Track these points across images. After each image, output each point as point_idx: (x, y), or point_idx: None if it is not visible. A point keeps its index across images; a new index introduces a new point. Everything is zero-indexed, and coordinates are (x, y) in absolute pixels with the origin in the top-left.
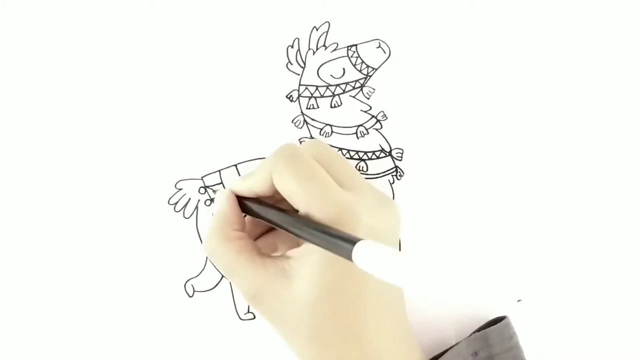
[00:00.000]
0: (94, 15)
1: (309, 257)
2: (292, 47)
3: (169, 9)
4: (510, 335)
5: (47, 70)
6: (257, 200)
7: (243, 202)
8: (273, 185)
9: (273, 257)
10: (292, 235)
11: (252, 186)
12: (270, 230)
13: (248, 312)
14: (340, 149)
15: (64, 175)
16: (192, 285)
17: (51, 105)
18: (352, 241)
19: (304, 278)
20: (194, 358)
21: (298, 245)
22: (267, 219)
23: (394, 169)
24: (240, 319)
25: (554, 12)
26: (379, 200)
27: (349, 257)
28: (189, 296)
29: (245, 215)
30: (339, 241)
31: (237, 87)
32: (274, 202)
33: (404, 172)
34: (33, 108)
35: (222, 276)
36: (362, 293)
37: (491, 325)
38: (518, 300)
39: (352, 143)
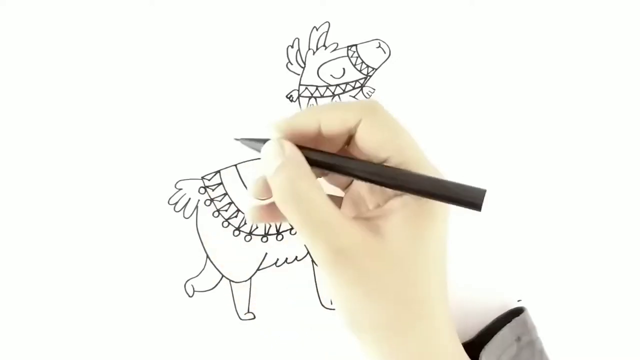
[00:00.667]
0: (94, 15)
1: (397, 213)
2: (292, 47)
3: (169, 9)
4: (534, 325)
5: (47, 70)
6: (324, 152)
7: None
8: (346, 131)
9: (354, 217)
10: (360, 191)
11: (323, 123)
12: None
13: (248, 312)
14: None
15: (64, 175)
16: (192, 285)
17: (51, 105)
18: (481, 190)
19: (397, 235)
20: (194, 358)
21: (363, 205)
22: (355, 174)
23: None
24: (240, 319)
25: (554, 12)
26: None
27: (478, 205)
28: (189, 296)
29: None
30: (465, 192)
31: (237, 87)
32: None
33: None
34: (33, 108)
35: (222, 276)
36: (442, 253)
37: (510, 316)
38: (518, 300)
39: None
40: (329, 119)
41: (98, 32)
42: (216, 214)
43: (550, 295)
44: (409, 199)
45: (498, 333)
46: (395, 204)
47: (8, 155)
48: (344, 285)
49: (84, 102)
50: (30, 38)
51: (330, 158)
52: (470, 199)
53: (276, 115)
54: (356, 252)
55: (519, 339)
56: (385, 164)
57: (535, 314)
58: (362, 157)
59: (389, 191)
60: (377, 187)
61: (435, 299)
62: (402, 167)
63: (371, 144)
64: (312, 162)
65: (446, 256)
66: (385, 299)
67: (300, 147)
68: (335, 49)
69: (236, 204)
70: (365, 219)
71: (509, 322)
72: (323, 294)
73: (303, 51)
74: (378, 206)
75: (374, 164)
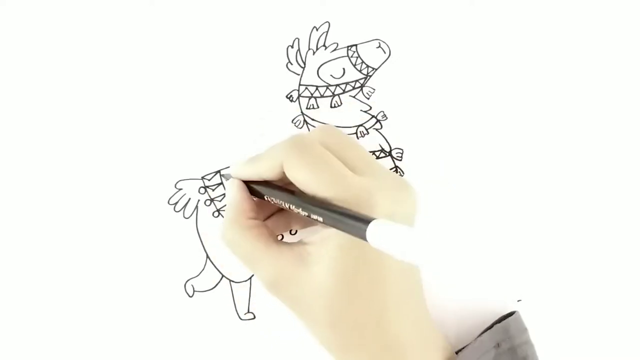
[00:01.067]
0: (94, 15)
1: (326, 242)
2: (292, 47)
3: (169, 9)
4: (525, 328)
5: (47, 70)
6: (266, 182)
7: (251, 186)
8: (281, 173)
9: (289, 243)
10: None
11: (260, 172)
12: (280, 209)
13: (248, 312)
14: None
15: (64, 175)
16: (192, 285)
17: (51, 105)
18: (366, 220)
19: (322, 264)
20: (194, 358)
21: (311, 223)
22: (278, 203)
23: (394, 169)
24: (240, 319)
25: (554, 12)
26: (395, 183)
27: (364, 237)
28: (189, 296)
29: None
30: (353, 220)
31: (237, 87)
32: (283, 184)
33: (404, 172)
34: (33, 108)
35: (222, 276)
36: (381, 278)
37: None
38: (518, 300)
39: None
40: (263, 170)
41: (98, 32)
42: (216, 214)
43: (552, 298)
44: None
45: (476, 339)
46: (326, 232)
47: (8, 155)
48: (287, 307)
49: (83, 102)
50: (30, 38)
51: (270, 192)
52: (356, 230)
53: (276, 115)
54: (284, 282)
55: (498, 345)
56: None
57: (534, 318)
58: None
59: None
60: None
61: (368, 323)
62: (327, 200)
63: (295, 183)
64: (257, 195)
65: (398, 281)
66: (316, 324)
67: (256, 183)
68: (335, 49)
69: None
70: (302, 244)
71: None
72: None
73: (303, 51)
74: (310, 224)
75: (296, 196)
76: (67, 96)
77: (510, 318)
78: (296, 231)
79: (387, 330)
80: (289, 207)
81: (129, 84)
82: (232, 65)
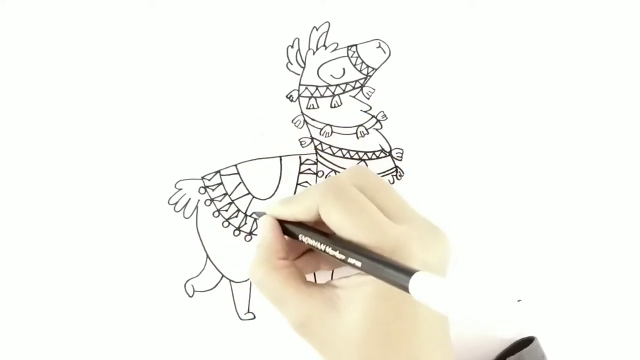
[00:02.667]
0: (94, 15)
1: (359, 288)
2: (292, 47)
3: (169, 9)
4: (542, 355)
5: (47, 70)
6: (301, 224)
7: (284, 225)
8: (317, 216)
9: (319, 285)
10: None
11: (295, 214)
12: (309, 249)
13: (248, 312)
14: (340, 149)
15: (64, 175)
16: (192, 285)
17: (51, 105)
18: (409, 272)
19: (355, 310)
20: (194, 358)
21: (340, 265)
22: (313, 245)
23: (394, 169)
24: (240, 319)
25: (554, 12)
26: (430, 231)
27: (406, 288)
28: (189, 296)
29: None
30: (395, 271)
31: (237, 87)
32: (317, 227)
33: (404, 172)
34: (33, 108)
35: (222, 276)
36: (412, 328)
37: (521, 345)
38: (518, 300)
39: (352, 143)
40: (298, 213)
41: (98, 32)
42: (216, 214)
43: (563, 322)
44: (371, 277)
45: None
46: (358, 279)
47: (8, 155)
48: (314, 349)
49: (83, 102)
50: (30, 38)
51: (297, 229)
52: (398, 280)
53: (276, 115)
54: (313, 325)
55: None
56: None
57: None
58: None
59: None
60: None
61: None
62: (359, 242)
63: (331, 227)
64: (291, 235)
65: (429, 330)
66: None
67: (291, 223)
68: (335, 49)
69: (236, 204)
70: (332, 287)
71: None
72: None
73: (303, 51)
74: (340, 266)
75: (335, 241)
76: (67, 96)
77: (525, 350)
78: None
79: None
80: (325, 249)
81: (129, 84)
82: (232, 65)
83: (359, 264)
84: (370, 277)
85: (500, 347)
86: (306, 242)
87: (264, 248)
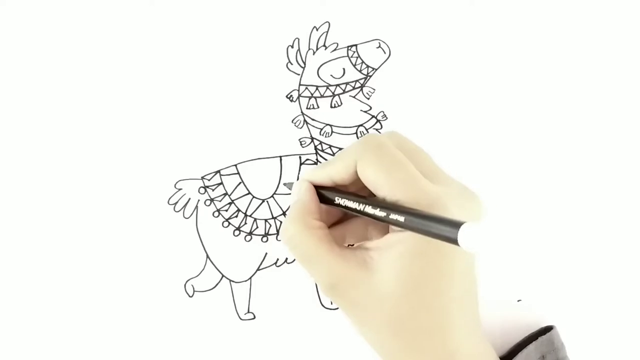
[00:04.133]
0: (94, 15)
1: (392, 248)
2: (292, 47)
3: (169, 9)
4: (563, 343)
5: (47, 70)
6: (335, 189)
7: (320, 192)
8: (354, 174)
9: (351, 248)
10: (361, 225)
11: (332, 175)
12: (338, 222)
13: (248, 312)
14: (340, 149)
15: (64, 175)
16: (192, 285)
17: (51, 105)
18: (457, 224)
19: (388, 270)
20: (194, 358)
21: (367, 237)
22: (352, 207)
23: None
24: (240, 319)
25: (554, 12)
26: (464, 192)
27: (454, 240)
28: (189, 296)
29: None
30: (442, 225)
31: (237, 87)
32: (352, 191)
33: None
34: (33, 108)
35: (222, 276)
36: (446, 287)
37: (538, 335)
38: (518, 300)
39: None
40: (335, 173)
41: (98, 32)
42: (216, 214)
43: (580, 314)
44: (406, 235)
45: (522, 350)
46: (392, 238)
47: (8, 155)
48: (343, 311)
49: (83, 102)
50: (30, 38)
51: (332, 194)
52: (446, 233)
53: (276, 115)
54: (345, 286)
55: (543, 357)
56: (386, 199)
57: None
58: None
59: (392, 226)
60: (378, 224)
61: (432, 332)
62: (398, 203)
63: (367, 184)
64: (326, 202)
65: (461, 289)
66: (376, 329)
67: (325, 189)
68: (335, 49)
69: (236, 204)
70: (364, 249)
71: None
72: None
73: (303, 51)
74: (367, 238)
75: (374, 200)
76: (67, 96)
77: (553, 331)
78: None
79: (449, 339)
80: (364, 209)
81: (129, 84)
82: (232, 65)
83: (401, 219)
84: (404, 236)
85: (518, 337)
86: (343, 205)
87: (298, 207)
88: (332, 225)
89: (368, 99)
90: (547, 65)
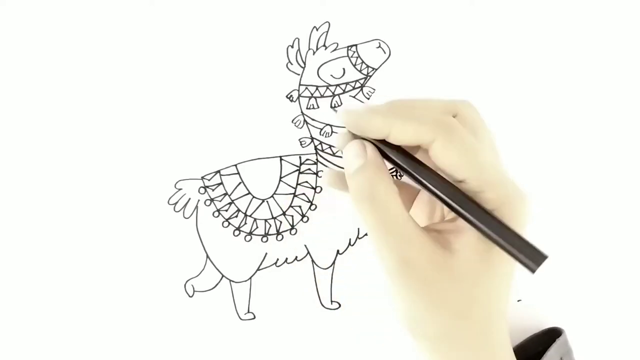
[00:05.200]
0: (94, 15)
1: (468, 232)
2: (292, 47)
3: (169, 9)
4: (569, 349)
5: (47, 70)
6: (399, 148)
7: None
8: (418, 144)
9: (424, 226)
10: (430, 201)
11: (397, 135)
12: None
13: (248, 312)
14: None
15: (64, 175)
16: (192, 285)
17: (51, 105)
18: (540, 257)
19: (469, 251)
20: (194, 358)
21: (433, 216)
22: (427, 185)
23: (394, 169)
24: (240, 319)
25: (554, 12)
26: (524, 194)
27: (532, 268)
28: (189, 296)
29: None
30: (526, 251)
31: (237, 87)
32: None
33: None
34: (33, 108)
35: (222, 276)
36: (504, 279)
37: (548, 337)
38: (518, 300)
39: None
40: (402, 130)
41: (98, 32)
42: (216, 214)
43: (585, 317)
44: None
45: (546, 354)
46: (459, 224)
47: (8, 155)
48: (409, 293)
49: (84, 102)
50: (30, 38)
51: (408, 163)
52: (527, 259)
53: (276, 115)
54: (423, 264)
55: (561, 359)
56: (462, 184)
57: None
58: (437, 170)
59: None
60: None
61: (494, 320)
62: (479, 190)
63: (446, 165)
64: (389, 161)
65: (512, 279)
66: (447, 313)
67: (381, 143)
68: (335, 49)
69: (236, 204)
70: (436, 231)
71: (547, 341)
72: (323, 294)
73: (303, 51)
74: (451, 220)
75: (449, 184)
76: (67, 96)
77: (564, 334)
78: None
79: (502, 329)
80: (444, 197)
81: (129, 84)
82: (232, 65)
83: (486, 229)
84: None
85: (523, 336)
86: (417, 181)
87: (377, 166)
88: None
89: (368, 99)
90: (547, 65)
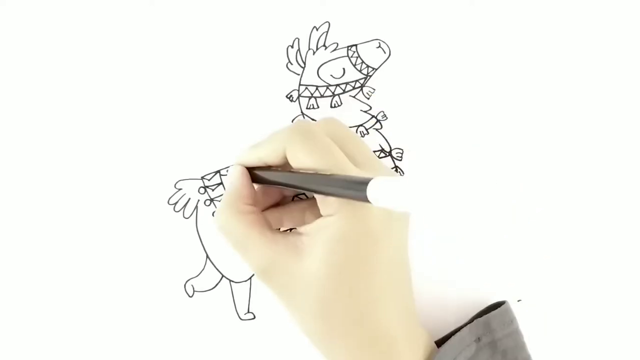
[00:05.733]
0: (94, 15)
1: (321, 232)
2: (292, 47)
3: (169, 9)
4: (511, 320)
5: (47, 70)
6: (267, 167)
7: (253, 172)
8: (284, 158)
9: (283, 232)
10: (299, 209)
11: (262, 157)
12: (276, 205)
13: (248, 312)
14: None
15: (64, 175)
16: (192, 285)
17: (51, 105)
18: (366, 181)
19: (316, 254)
20: (194, 358)
21: (304, 221)
22: (278, 182)
23: (394, 169)
24: (240, 319)
25: (554, 12)
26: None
27: (365, 197)
28: (189, 296)
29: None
30: (352, 183)
31: (237, 87)
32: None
33: (404, 172)
34: (33, 108)
35: (222, 276)
36: (371, 271)
37: (491, 311)
38: (518, 300)
39: None
40: (265, 156)
41: (98, 32)
42: None
43: (548, 292)
44: (333, 220)
45: (456, 333)
46: (321, 223)
47: (8, 155)
48: (276, 296)
49: (83, 102)
50: (30, 38)
51: (271, 174)
52: (355, 191)
53: (276, 115)
54: (275, 270)
55: (478, 339)
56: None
57: (530, 311)
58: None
59: (322, 210)
60: (315, 208)
61: (357, 316)
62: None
63: (296, 169)
64: (258, 180)
65: (388, 274)
66: (304, 315)
67: (258, 168)
68: (335, 49)
69: None
70: (297, 234)
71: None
72: None
73: (303, 51)
74: (303, 221)
75: (297, 173)
76: (67, 96)
77: (493, 312)
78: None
79: (374, 323)
80: (290, 184)
81: (128, 84)
82: (232, 65)
83: (315, 186)
84: (331, 220)
85: (469, 314)
86: (268, 181)
87: (230, 193)
88: (270, 208)
89: (368, 99)
90: (547, 65)
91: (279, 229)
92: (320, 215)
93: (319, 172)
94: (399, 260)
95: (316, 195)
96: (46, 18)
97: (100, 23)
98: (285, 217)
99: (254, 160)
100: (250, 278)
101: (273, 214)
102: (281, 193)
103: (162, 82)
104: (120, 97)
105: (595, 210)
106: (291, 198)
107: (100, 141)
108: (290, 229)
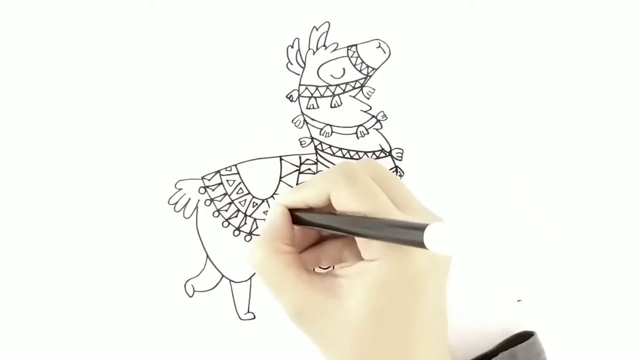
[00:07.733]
0: (94, 15)
1: (361, 276)
2: (292, 47)
3: (169, 9)
4: (538, 353)
5: (47, 70)
6: (311, 210)
7: (294, 213)
8: (327, 200)
9: (320, 274)
10: (336, 248)
11: (305, 199)
12: (313, 245)
13: (248, 312)
14: (340, 149)
15: (64, 175)
16: (192, 285)
17: (51, 105)
18: (422, 226)
19: (356, 297)
20: (194, 358)
21: (341, 259)
22: (321, 224)
23: (394, 169)
24: (240, 319)
25: (554, 12)
26: (432, 220)
27: (421, 243)
28: (189, 296)
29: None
30: (407, 229)
31: (237, 87)
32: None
33: (404, 172)
34: (33, 108)
35: (222, 276)
36: (413, 318)
37: (518, 339)
38: (518, 300)
39: (352, 143)
40: (308, 197)
41: (98, 32)
42: (216, 214)
43: (559, 321)
44: (375, 265)
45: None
46: (362, 267)
47: (8, 155)
48: (308, 336)
49: (83, 102)
50: (30, 38)
51: (315, 216)
52: (411, 237)
53: (276, 115)
54: (311, 313)
55: None
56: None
57: (561, 333)
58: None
59: (364, 254)
60: (353, 247)
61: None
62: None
63: (340, 213)
64: (300, 222)
65: (427, 317)
66: (341, 356)
67: (298, 211)
68: (335, 49)
69: (236, 204)
70: (334, 276)
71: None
72: None
73: (303, 51)
74: (341, 261)
75: (344, 216)
76: (67, 96)
77: (520, 345)
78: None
79: None
80: (336, 227)
81: (129, 84)
82: (232, 65)
83: (368, 231)
84: (373, 265)
85: (496, 341)
86: (311, 223)
87: (270, 231)
88: (308, 248)
89: (368, 99)
90: (547, 65)
91: (313, 269)
92: (358, 255)
93: (364, 215)
94: (437, 307)
95: (357, 239)
96: (46, 18)
97: (101, 23)
98: (323, 257)
99: (297, 201)
100: (250, 278)
101: (309, 255)
102: (318, 234)
103: (162, 82)
104: (120, 97)
105: (595, 210)
106: (326, 238)
107: (100, 141)
108: (325, 268)
